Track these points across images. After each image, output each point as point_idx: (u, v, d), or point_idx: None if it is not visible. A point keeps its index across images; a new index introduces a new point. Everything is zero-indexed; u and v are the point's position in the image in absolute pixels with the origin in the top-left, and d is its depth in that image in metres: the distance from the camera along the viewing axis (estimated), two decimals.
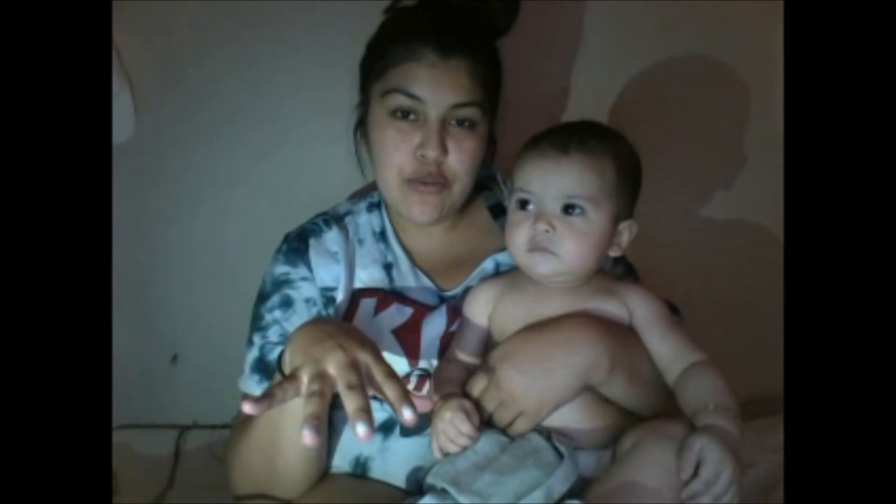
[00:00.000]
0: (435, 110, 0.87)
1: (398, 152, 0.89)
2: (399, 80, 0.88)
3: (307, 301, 0.91)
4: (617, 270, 0.95)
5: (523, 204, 0.82)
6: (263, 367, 0.89)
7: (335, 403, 0.93)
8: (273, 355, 0.89)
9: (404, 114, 0.89)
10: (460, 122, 0.89)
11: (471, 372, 0.83)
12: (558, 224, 0.79)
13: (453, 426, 0.75)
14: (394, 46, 0.89)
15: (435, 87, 0.87)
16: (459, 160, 0.89)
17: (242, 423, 0.87)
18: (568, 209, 0.79)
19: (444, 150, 0.88)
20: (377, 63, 0.91)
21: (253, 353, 0.91)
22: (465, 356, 0.85)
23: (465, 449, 0.76)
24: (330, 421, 0.92)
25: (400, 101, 0.88)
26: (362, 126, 0.97)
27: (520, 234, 0.81)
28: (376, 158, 0.93)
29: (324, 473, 0.89)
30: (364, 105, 0.95)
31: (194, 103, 1.15)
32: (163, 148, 1.15)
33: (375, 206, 1.00)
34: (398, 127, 0.89)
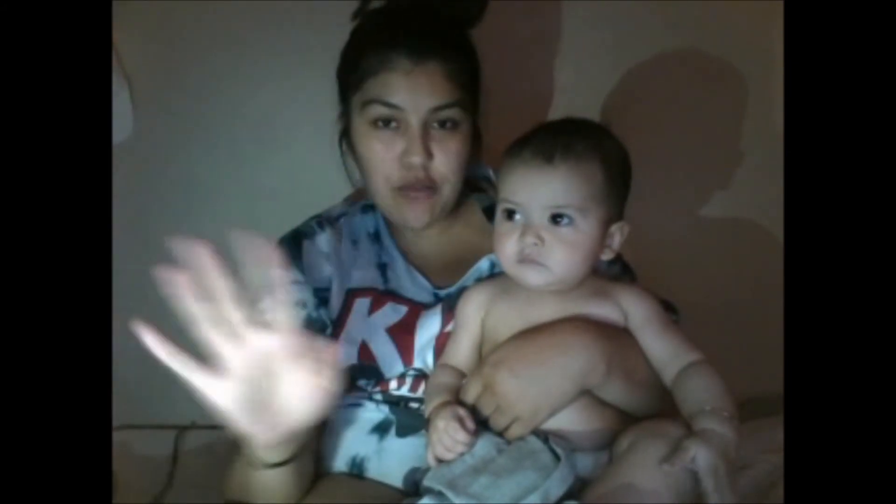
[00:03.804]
0: (415, 116, 0.87)
1: (384, 162, 0.89)
2: (376, 91, 0.88)
3: (297, 304, 0.91)
4: (613, 270, 0.94)
5: (510, 214, 0.79)
6: None
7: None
8: None
9: (385, 122, 0.88)
10: (442, 124, 0.89)
11: (464, 378, 0.82)
12: (547, 236, 0.77)
13: (448, 435, 0.74)
14: (367, 56, 0.89)
15: (412, 93, 0.87)
16: (446, 162, 0.90)
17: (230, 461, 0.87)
18: (556, 219, 0.77)
19: (428, 154, 0.88)
20: (353, 74, 0.90)
21: None
22: (457, 362, 0.84)
23: (461, 454, 0.75)
24: (327, 421, 0.92)
25: (379, 111, 0.88)
26: (347, 136, 0.96)
27: (508, 246, 0.79)
28: (364, 168, 0.93)
29: (321, 474, 0.89)
30: (346, 115, 0.95)
31: (194, 103, 1.15)
32: (162, 148, 1.15)
33: (370, 208, 1.00)
34: (380, 137, 0.89)
